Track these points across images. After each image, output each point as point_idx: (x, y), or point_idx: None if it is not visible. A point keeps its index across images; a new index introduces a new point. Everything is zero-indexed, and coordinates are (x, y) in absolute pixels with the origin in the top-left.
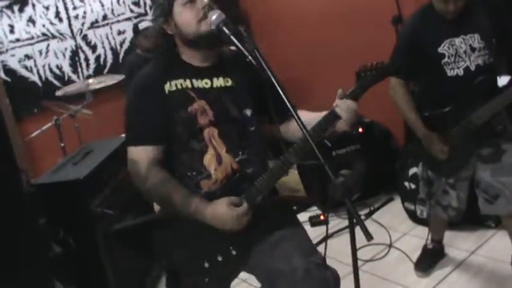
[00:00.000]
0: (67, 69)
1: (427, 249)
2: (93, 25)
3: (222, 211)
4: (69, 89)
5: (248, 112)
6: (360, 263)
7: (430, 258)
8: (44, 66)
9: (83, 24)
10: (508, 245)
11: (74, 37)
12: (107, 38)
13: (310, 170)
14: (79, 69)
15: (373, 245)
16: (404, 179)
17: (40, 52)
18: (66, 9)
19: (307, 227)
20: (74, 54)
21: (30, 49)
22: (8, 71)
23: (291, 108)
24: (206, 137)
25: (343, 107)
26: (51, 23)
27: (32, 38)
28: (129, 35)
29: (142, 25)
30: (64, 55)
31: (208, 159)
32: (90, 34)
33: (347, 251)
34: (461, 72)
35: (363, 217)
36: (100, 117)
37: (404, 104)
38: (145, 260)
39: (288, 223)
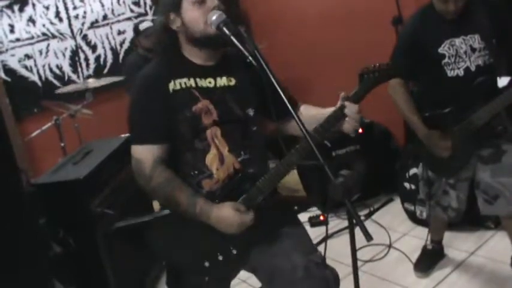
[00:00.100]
0: (67, 69)
1: (427, 249)
2: (93, 25)
3: (227, 215)
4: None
5: (251, 112)
6: (359, 263)
7: (429, 259)
8: (44, 66)
9: (83, 24)
10: (508, 246)
11: (74, 37)
12: (107, 38)
13: (309, 170)
14: (79, 69)
15: (372, 245)
16: (404, 180)
17: (40, 52)
18: (66, 9)
19: (307, 227)
20: (74, 54)
21: (30, 49)
22: (8, 70)
23: (291, 109)
24: (209, 137)
25: (353, 109)
26: (51, 23)
27: (32, 37)
28: (129, 35)
29: (143, 25)
30: (64, 55)
31: (211, 158)
32: (90, 34)
33: (347, 252)
34: (461, 72)
35: (362, 218)
36: (100, 117)
37: (404, 104)
38: (145, 260)
39: (288, 223)
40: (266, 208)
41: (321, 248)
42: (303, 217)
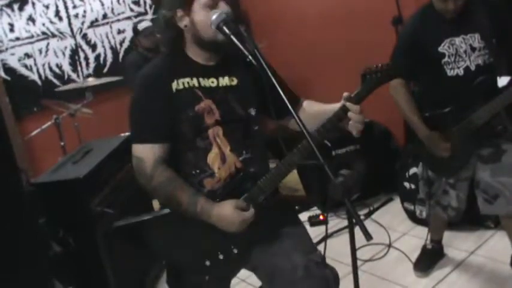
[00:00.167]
0: (67, 68)
1: (427, 249)
2: (93, 24)
3: (228, 213)
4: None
5: (252, 111)
6: (359, 262)
7: (429, 259)
8: (43, 65)
9: (82, 23)
10: (507, 246)
11: (73, 36)
12: (107, 37)
13: (309, 169)
14: (79, 68)
15: (372, 245)
16: (404, 179)
17: (40, 51)
18: (66, 8)
19: (307, 226)
20: (74, 53)
21: (30, 48)
22: (8, 69)
23: (291, 109)
24: (211, 136)
25: (355, 110)
26: (51, 22)
27: (32, 36)
28: (129, 34)
29: (142, 25)
30: (64, 54)
31: (212, 157)
32: (90, 33)
33: (346, 251)
34: (461, 72)
35: (362, 217)
36: (100, 117)
37: (405, 104)
38: (145, 259)
39: (288, 222)
40: (267, 207)
41: (320, 248)
42: (303, 216)
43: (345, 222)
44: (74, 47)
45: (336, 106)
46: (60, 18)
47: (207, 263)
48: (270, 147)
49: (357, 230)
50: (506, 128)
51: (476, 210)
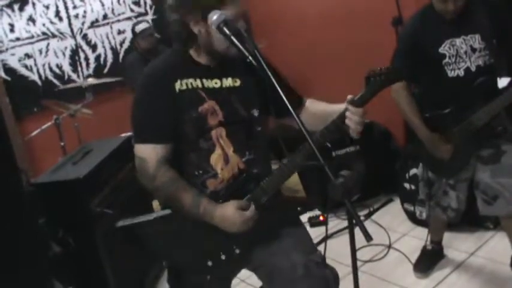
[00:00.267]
0: (67, 68)
1: (426, 250)
2: (93, 24)
3: (231, 214)
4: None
5: (255, 112)
6: (359, 263)
7: (429, 259)
8: (44, 66)
9: (83, 23)
10: (507, 246)
11: (74, 36)
12: (107, 38)
13: (309, 170)
14: (79, 69)
15: (372, 245)
16: (404, 180)
17: (40, 51)
18: (66, 8)
19: (307, 227)
20: (74, 53)
21: (30, 48)
22: (8, 70)
23: (292, 111)
24: (214, 137)
25: (356, 113)
26: (51, 22)
27: (32, 37)
28: (129, 34)
29: (139, 27)
30: (64, 54)
31: (216, 158)
32: (90, 33)
33: (346, 252)
34: (461, 73)
35: (362, 218)
36: (100, 117)
37: (407, 106)
38: (145, 260)
39: (289, 222)
40: (269, 208)
41: (320, 248)
42: (303, 217)
43: (345, 223)
44: (74, 47)
45: (340, 107)
46: (61, 19)
47: (209, 263)
48: (270, 147)
49: (357, 231)
50: (506, 128)
51: (476, 211)
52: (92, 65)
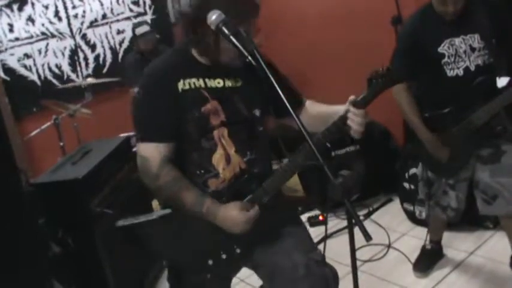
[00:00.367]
0: (66, 68)
1: (426, 249)
2: (93, 24)
3: (234, 214)
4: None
5: (257, 112)
6: (358, 263)
7: (428, 259)
8: (43, 66)
9: (82, 23)
10: (507, 246)
11: (73, 36)
12: (106, 38)
13: (309, 170)
14: (78, 69)
15: (371, 245)
16: (403, 180)
17: (39, 51)
18: (66, 8)
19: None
20: (73, 53)
21: (29, 48)
22: (7, 70)
23: (291, 111)
24: (216, 136)
25: (357, 114)
26: (51, 22)
27: (31, 37)
28: (128, 34)
29: (139, 30)
30: (63, 54)
31: (217, 158)
32: (90, 33)
33: (346, 252)
34: (461, 72)
35: (361, 217)
36: (99, 117)
37: (407, 107)
38: (144, 259)
39: (290, 222)
40: (270, 207)
41: (320, 248)
42: (302, 217)
43: (345, 223)
44: (73, 47)
45: (340, 108)
46: (60, 19)
47: (210, 262)
48: (271, 147)
49: (357, 231)
50: (506, 128)
51: (476, 211)
52: (91, 65)
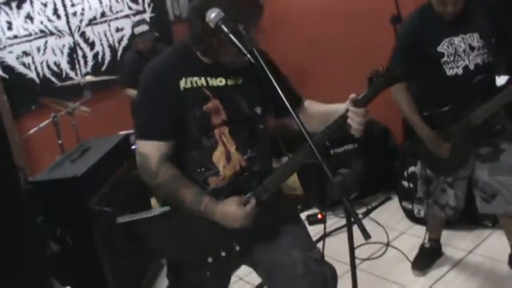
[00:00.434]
0: (65, 66)
1: (424, 248)
2: (91, 22)
3: (232, 210)
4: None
5: (258, 110)
6: (357, 261)
7: (427, 258)
8: (41, 63)
9: (81, 21)
10: (505, 245)
11: (72, 34)
12: (105, 35)
13: (308, 168)
14: (77, 66)
15: (370, 243)
16: (402, 178)
17: (38, 49)
18: (64, 6)
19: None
20: (72, 51)
21: (28, 46)
22: (6, 67)
23: (290, 109)
24: (217, 135)
25: (358, 113)
26: (49, 20)
27: (30, 34)
28: (127, 32)
29: (138, 30)
30: (62, 52)
31: (218, 156)
32: (88, 31)
33: (344, 250)
34: (460, 71)
35: (360, 216)
36: (98, 115)
37: (406, 106)
38: (143, 257)
39: (289, 220)
40: (269, 205)
41: (318, 246)
42: (301, 215)
43: (343, 221)
44: (72, 45)
45: (339, 107)
46: (59, 16)
47: (209, 259)
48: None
49: (355, 229)
50: (505, 127)
51: (474, 210)
52: (90, 63)
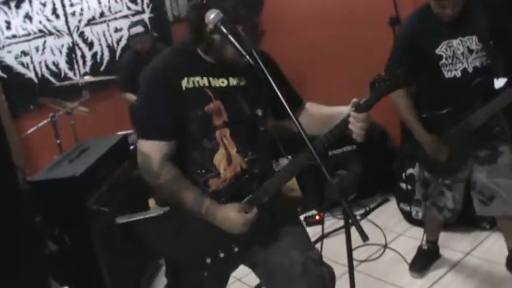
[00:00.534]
0: (63, 66)
1: (422, 250)
2: (90, 22)
3: (232, 215)
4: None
5: (260, 112)
6: (355, 263)
7: (425, 259)
8: (40, 63)
9: (79, 21)
10: (503, 247)
11: (70, 34)
12: (104, 35)
13: (306, 170)
14: (75, 66)
15: (368, 245)
16: (400, 180)
17: (37, 49)
18: (63, 5)
19: None
20: (71, 51)
21: (26, 45)
22: (4, 67)
23: (289, 111)
24: (218, 137)
25: (359, 118)
26: (48, 20)
27: (29, 34)
28: (126, 32)
29: (134, 30)
30: (61, 52)
31: (219, 158)
32: (87, 31)
33: (342, 251)
34: (458, 74)
35: (358, 217)
36: (96, 115)
37: (406, 110)
38: (141, 257)
39: (288, 221)
40: (269, 207)
41: (316, 248)
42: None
43: (341, 223)
44: (70, 45)
45: (340, 109)
46: (57, 16)
47: (208, 260)
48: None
49: (353, 231)
50: (504, 129)
51: (472, 212)
52: (89, 63)
